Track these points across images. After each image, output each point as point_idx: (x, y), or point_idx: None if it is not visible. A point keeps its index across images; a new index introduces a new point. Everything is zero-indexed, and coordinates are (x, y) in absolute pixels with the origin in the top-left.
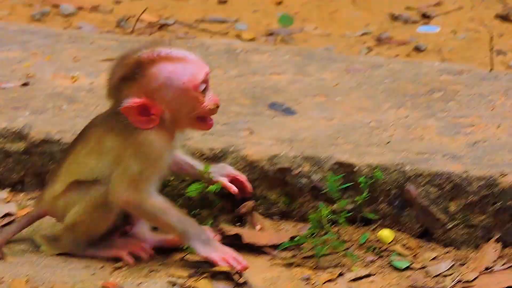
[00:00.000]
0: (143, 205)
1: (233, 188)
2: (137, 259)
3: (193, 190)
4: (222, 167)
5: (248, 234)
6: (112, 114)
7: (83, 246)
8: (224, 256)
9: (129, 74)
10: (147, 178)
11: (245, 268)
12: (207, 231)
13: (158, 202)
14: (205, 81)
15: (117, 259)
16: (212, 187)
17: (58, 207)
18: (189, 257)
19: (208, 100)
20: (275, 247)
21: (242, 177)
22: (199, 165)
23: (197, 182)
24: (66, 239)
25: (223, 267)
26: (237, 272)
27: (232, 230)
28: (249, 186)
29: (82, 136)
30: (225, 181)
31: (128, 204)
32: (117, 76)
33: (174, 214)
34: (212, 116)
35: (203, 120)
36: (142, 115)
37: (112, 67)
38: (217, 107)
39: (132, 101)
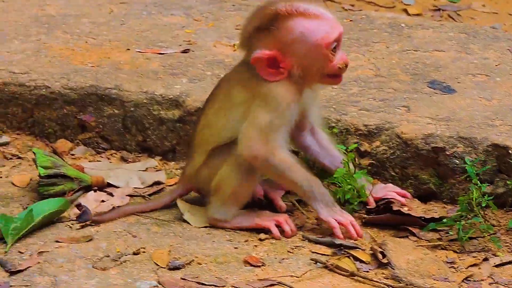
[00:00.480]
0: (272, 159)
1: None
2: (282, 232)
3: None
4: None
5: (397, 206)
6: (241, 65)
7: (230, 214)
8: (343, 222)
9: (265, 25)
10: (275, 129)
11: (360, 236)
12: (330, 197)
13: (286, 157)
14: (338, 40)
15: (260, 232)
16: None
17: (202, 179)
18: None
19: (338, 59)
20: (421, 227)
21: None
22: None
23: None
24: (214, 208)
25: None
26: (381, 253)
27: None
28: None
29: (210, 96)
30: (371, 199)
31: (256, 158)
32: (252, 26)
33: (301, 172)
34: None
35: (332, 77)
36: (271, 67)
37: (248, 17)
38: (346, 66)
39: (262, 52)
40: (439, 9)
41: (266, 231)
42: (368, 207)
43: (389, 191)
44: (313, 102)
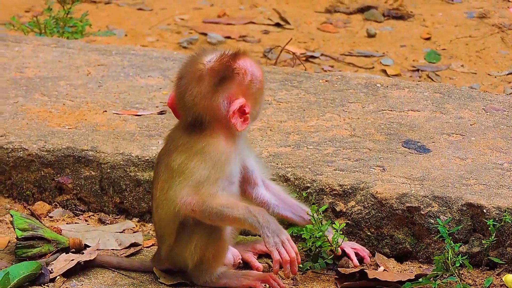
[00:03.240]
0: (209, 205)
1: (355, 262)
2: None
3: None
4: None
5: (373, 272)
6: (174, 132)
7: (214, 275)
8: (284, 258)
9: (228, 75)
10: (212, 182)
11: (294, 274)
12: (277, 223)
13: (222, 199)
14: None
15: None
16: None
17: (177, 257)
18: None
19: None
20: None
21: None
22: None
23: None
24: (197, 276)
25: None
26: None
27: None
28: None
29: (153, 177)
30: (351, 252)
31: (194, 211)
32: (215, 80)
33: (242, 207)
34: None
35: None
36: (241, 116)
37: (187, 76)
38: None
39: (238, 102)
40: (417, 70)
41: None
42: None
43: (350, 246)
44: (249, 155)
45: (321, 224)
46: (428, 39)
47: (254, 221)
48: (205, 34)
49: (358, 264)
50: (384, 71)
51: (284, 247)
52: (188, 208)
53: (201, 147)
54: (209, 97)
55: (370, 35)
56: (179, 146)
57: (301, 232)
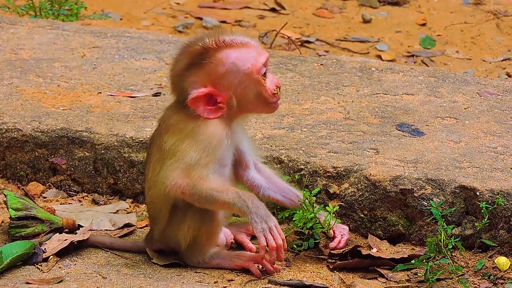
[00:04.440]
0: (199, 189)
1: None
2: (263, 271)
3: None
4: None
5: (366, 250)
6: (168, 111)
7: (207, 256)
8: (270, 245)
9: (195, 61)
10: (202, 166)
11: (280, 260)
12: (266, 209)
13: (213, 183)
14: (266, 65)
15: (230, 273)
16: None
17: (169, 237)
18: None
19: (270, 83)
20: (390, 268)
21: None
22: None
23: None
24: (190, 256)
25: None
26: None
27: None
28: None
29: (146, 158)
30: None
31: (183, 193)
32: (182, 64)
33: (231, 191)
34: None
35: (267, 104)
36: (209, 105)
37: (175, 56)
38: (279, 88)
39: (198, 90)
40: (412, 55)
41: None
42: (331, 246)
43: (341, 232)
44: (242, 139)
45: (313, 207)
46: (423, 25)
47: (243, 205)
48: (200, 19)
49: (334, 245)
50: (379, 57)
51: (271, 234)
52: (178, 191)
53: (191, 129)
54: (180, 79)
55: (366, 21)
56: (170, 127)
57: (294, 213)
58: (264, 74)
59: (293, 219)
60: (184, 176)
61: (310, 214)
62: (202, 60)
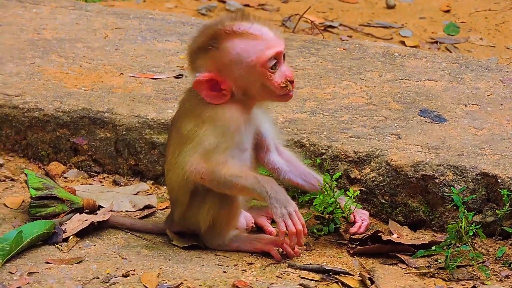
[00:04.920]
0: (218, 174)
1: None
2: (283, 255)
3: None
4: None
5: (387, 236)
6: (187, 93)
7: (226, 239)
8: (290, 230)
9: (205, 45)
10: (220, 151)
11: (300, 245)
12: (285, 194)
13: (232, 167)
14: (277, 57)
15: (250, 256)
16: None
17: (190, 220)
18: (317, 258)
19: (280, 77)
20: (410, 254)
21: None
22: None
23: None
24: (210, 239)
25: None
26: (369, 279)
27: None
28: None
29: (167, 140)
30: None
31: (203, 179)
32: (195, 46)
33: (251, 176)
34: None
35: (279, 95)
36: (213, 90)
37: (193, 36)
38: (291, 82)
39: (202, 74)
40: (436, 42)
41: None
42: (351, 231)
43: (361, 217)
44: (264, 122)
45: (333, 191)
46: (447, 11)
47: (262, 191)
48: (224, 2)
49: (355, 230)
50: (403, 43)
51: (291, 219)
52: (197, 176)
53: (210, 114)
54: (191, 60)
55: (390, 6)
56: (188, 111)
57: (314, 197)
58: (273, 67)
59: (314, 203)
60: (203, 161)
61: (331, 198)
62: (210, 45)
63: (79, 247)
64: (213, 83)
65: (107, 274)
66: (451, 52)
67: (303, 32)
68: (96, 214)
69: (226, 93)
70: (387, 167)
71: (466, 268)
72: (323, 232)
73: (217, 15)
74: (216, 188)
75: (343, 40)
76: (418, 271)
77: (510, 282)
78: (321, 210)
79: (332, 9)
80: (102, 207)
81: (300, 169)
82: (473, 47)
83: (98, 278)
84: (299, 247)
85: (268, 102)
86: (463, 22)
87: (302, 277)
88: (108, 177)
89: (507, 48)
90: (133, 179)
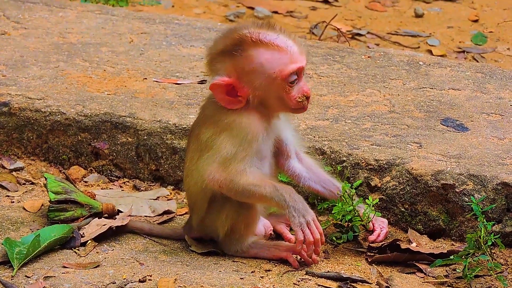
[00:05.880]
0: (236, 182)
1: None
2: (301, 262)
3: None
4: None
5: (405, 244)
6: (206, 100)
7: (245, 245)
8: (308, 240)
9: (228, 49)
10: (239, 160)
11: (317, 254)
12: (304, 203)
13: (250, 176)
14: (298, 73)
15: (268, 263)
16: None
17: (208, 226)
18: (335, 266)
19: (297, 92)
20: (428, 263)
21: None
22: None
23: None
24: (228, 245)
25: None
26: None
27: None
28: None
29: (186, 145)
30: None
31: (221, 187)
32: (218, 48)
33: (269, 185)
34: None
35: (290, 109)
36: (229, 95)
37: (216, 39)
38: (307, 98)
39: (221, 79)
40: (463, 51)
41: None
42: (370, 239)
43: (380, 225)
44: (285, 128)
45: (352, 200)
46: (475, 21)
47: (281, 199)
48: (252, 8)
49: (373, 239)
50: (430, 51)
51: (309, 228)
52: (216, 185)
53: (228, 122)
54: (212, 62)
55: (418, 15)
56: (208, 118)
57: (333, 205)
58: (293, 81)
59: (332, 211)
60: (221, 170)
61: (349, 206)
62: (234, 51)
63: (97, 252)
64: (230, 88)
65: (124, 279)
66: (477, 62)
67: (331, 39)
68: (115, 218)
69: (242, 100)
70: (408, 175)
71: (484, 278)
72: (341, 240)
73: (245, 22)
74: (235, 197)
75: (369, 48)
76: (436, 280)
77: None
78: (339, 218)
79: (361, 17)
80: (121, 211)
81: (320, 176)
82: (500, 57)
83: (115, 283)
84: (317, 255)
85: (282, 113)
86: (491, 32)
87: (319, 285)
88: (128, 182)
89: None
90: (153, 184)
